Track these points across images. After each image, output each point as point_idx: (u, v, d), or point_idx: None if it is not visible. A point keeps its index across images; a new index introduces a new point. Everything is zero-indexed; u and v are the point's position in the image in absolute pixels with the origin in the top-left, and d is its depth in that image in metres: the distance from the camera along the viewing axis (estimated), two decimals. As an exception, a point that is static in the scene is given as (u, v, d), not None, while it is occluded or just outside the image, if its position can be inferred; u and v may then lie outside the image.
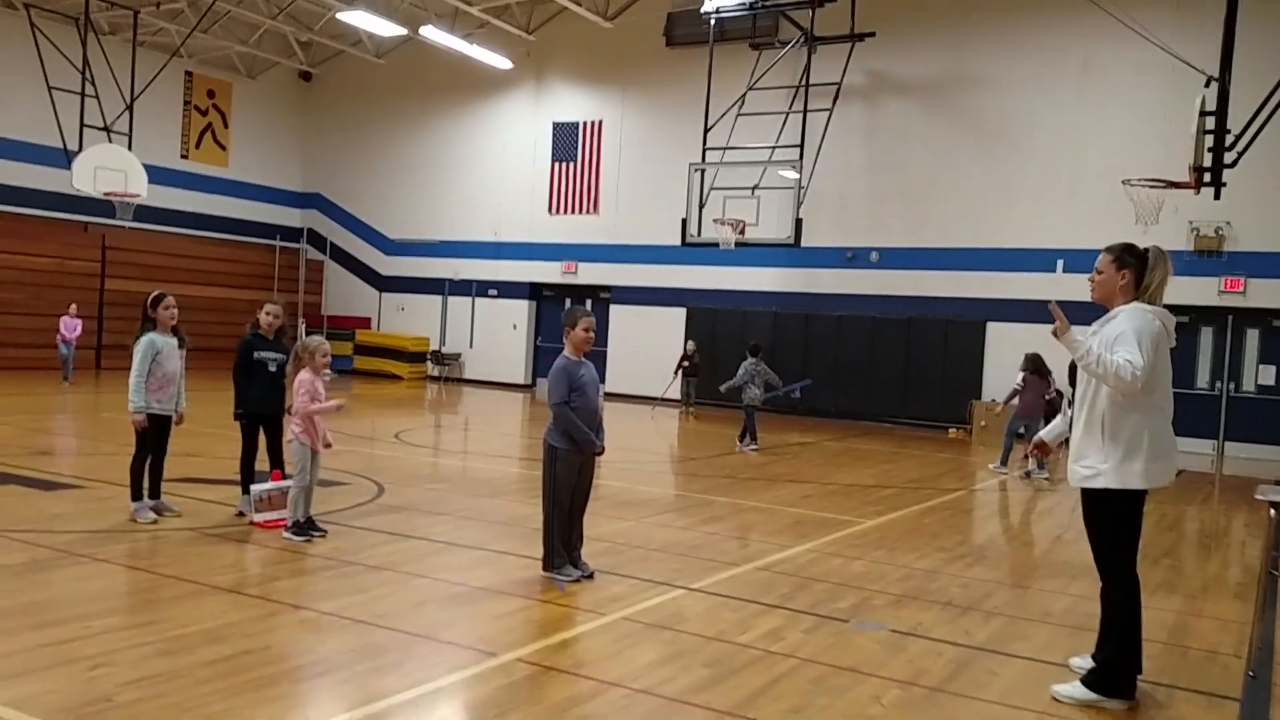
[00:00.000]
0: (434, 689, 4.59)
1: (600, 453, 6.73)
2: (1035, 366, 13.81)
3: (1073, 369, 5.18)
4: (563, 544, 6.59)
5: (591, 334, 6.70)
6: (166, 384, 7.81)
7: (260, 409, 8.05)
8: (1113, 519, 4.81)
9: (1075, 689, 4.85)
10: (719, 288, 22.49)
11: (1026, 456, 13.64)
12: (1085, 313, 5.05)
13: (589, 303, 24.95)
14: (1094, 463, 4.76)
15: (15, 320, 21.50)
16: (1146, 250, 4.87)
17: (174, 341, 7.92)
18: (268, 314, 8.21)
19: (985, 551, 8.62)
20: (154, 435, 7.85)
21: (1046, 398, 13.77)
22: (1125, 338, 4.66)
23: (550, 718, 4.31)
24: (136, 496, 7.79)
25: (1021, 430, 13.85)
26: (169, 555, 6.73)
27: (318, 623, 5.51)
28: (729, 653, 5.31)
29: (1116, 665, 4.80)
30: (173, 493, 8.81)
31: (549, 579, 6.53)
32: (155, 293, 7.92)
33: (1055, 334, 4.73)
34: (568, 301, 25.41)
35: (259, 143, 27.75)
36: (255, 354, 8.05)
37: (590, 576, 6.61)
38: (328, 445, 7.64)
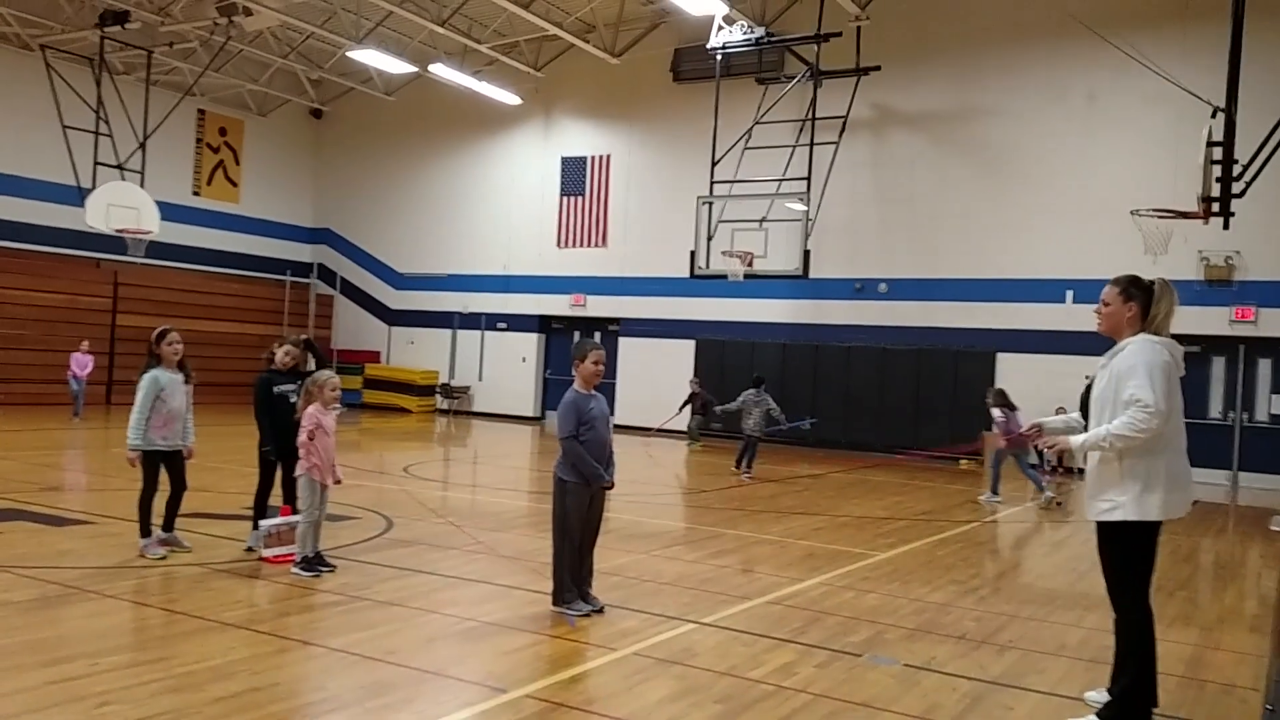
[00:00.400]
0: (443, 726, 4.56)
1: (610, 486, 6.70)
2: (1003, 400, 13.99)
3: (1084, 399, 5.15)
4: (572, 578, 6.55)
5: (601, 367, 6.70)
6: (171, 420, 7.81)
7: (284, 442, 8.03)
8: (1130, 551, 4.77)
9: None
10: (728, 319, 22.52)
11: (1042, 489, 13.65)
12: (1095, 343, 5.05)
13: (598, 335, 25.01)
14: (1112, 496, 4.74)
15: (27, 356, 21.62)
16: (1152, 282, 4.87)
17: (179, 377, 7.93)
18: (286, 354, 8.24)
19: (999, 584, 8.55)
20: (168, 471, 7.86)
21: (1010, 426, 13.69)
22: (1135, 371, 4.67)
23: (560, 755, 4.26)
24: (145, 533, 7.79)
25: (1005, 460, 13.94)
26: (178, 591, 6.72)
27: (327, 659, 5.48)
28: (741, 688, 5.26)
29: (1133, 698, 4.75)
30: (182, 528, 8.81)
31: (559, 614, 6.49)
32: (160, 329, 7.96)
33: (1060, 457, 4.71)
34: (576, 334, 25.45)
35: (270, 179, 28.00)
36: (275, 388, 8.06)
37: (600, 611, 6.57)
38: (337, 480, 7.63)
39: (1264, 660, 6.12)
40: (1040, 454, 13.64)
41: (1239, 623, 7.53)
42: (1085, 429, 5.01)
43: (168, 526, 7.93)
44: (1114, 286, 4.93)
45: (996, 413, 13.95)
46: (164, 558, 7.65)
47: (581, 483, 6.54)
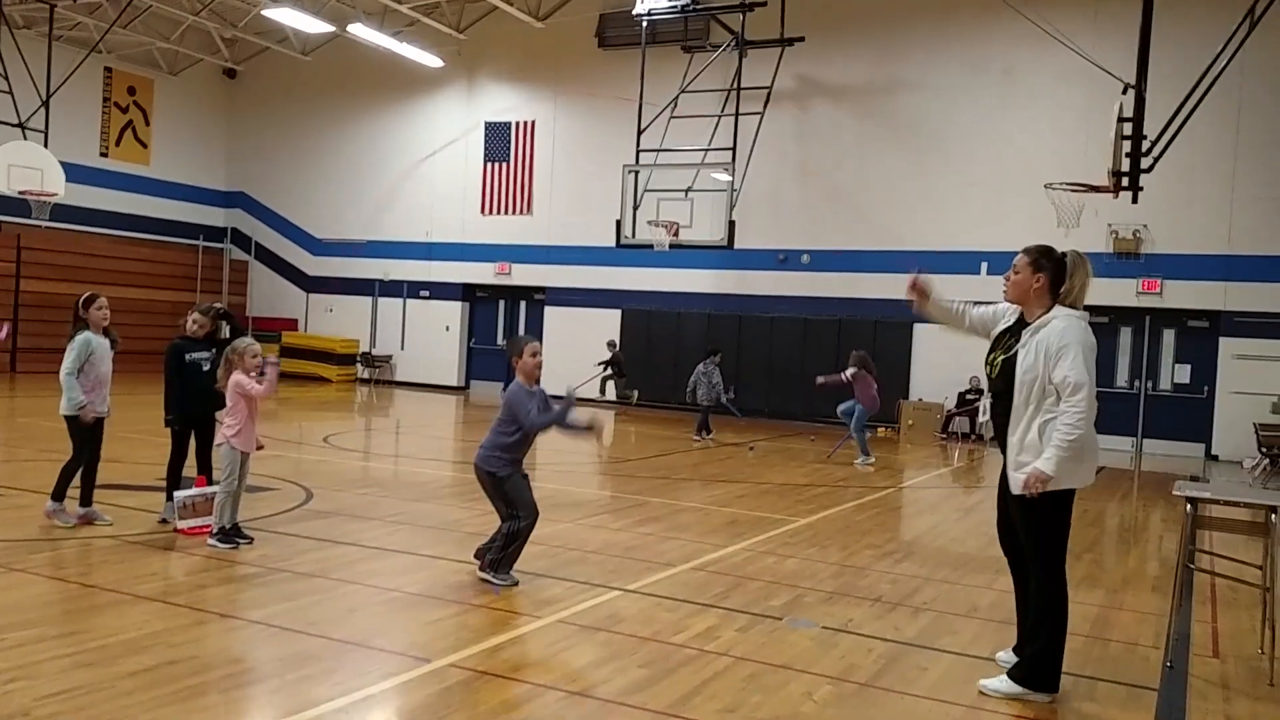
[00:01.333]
0: (366, 696, 4.53)
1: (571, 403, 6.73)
2: (864, 365, 14.33)
3: (994, 369, 5.24)
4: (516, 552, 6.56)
5: (539, 359, 6.68)
6: (99, 385, 7.64)
7: (194, 410, 7.88)
8: (1052, 520, 4.88)
9: (1002, 683, 4.95)
10: (654, 289, 22.55)
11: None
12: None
13: (523, 304, 24.86)
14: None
15: (-76, 323, 20.72)
16: (1064, 255, 4.93)
17: (106, 342, 7.73)
18: (194, 322, 8.08)
19: (914, 548, 8.77)
20: (90, 438, 7.65)
21: (874, 392, 14.35)
22: (1068, 352, 4.71)
23: (485, 722, 4.27)
24: (58, 496, 7.57)
25: (861, 414, 14.33)
26: (91, 564, 6.54)
27: (245, 631, 5.41)
28: (664, 653, 5.32)
29: (1044, 662, 4.90)
30: (95, 499, 8.57)
31: (488, 581, 6.47)
32: (87, 294, 7.75)
33: (1034, 492, 4.70)
34: (501, 304, 25.27)
35: (182, 141, 27.11)
36: (187, 356, 7.89)
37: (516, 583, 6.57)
38: (259, 447, 7.50)
39: (1165, 619, 6.39)
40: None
41: (1142, 584, 7.85)
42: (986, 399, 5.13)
43: (86, 501, 7.71)
44: (1025, 255, 4.99)
45: (848, 372, 14.28)
46: (73, 526, 7.46)
47: (513, 468, 6.54)
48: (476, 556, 6.71)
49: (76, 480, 7.65)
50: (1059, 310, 4.86)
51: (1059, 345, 4.74)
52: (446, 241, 25.28)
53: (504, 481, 6.53)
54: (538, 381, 6.72)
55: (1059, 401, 4.74)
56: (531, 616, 5.88)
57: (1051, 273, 4.90)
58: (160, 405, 7.98)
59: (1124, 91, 13.18)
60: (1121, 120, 12.99)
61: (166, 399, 7.92)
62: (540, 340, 6.98)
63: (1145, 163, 13.22)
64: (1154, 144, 13.17)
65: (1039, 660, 4.91)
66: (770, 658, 5.34)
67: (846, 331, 20.68)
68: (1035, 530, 4.92)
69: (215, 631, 5.40)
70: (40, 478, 8.64)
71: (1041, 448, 4.76)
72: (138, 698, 4.31)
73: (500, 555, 6.50)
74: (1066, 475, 4.76)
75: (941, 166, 19.96)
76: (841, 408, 14.49)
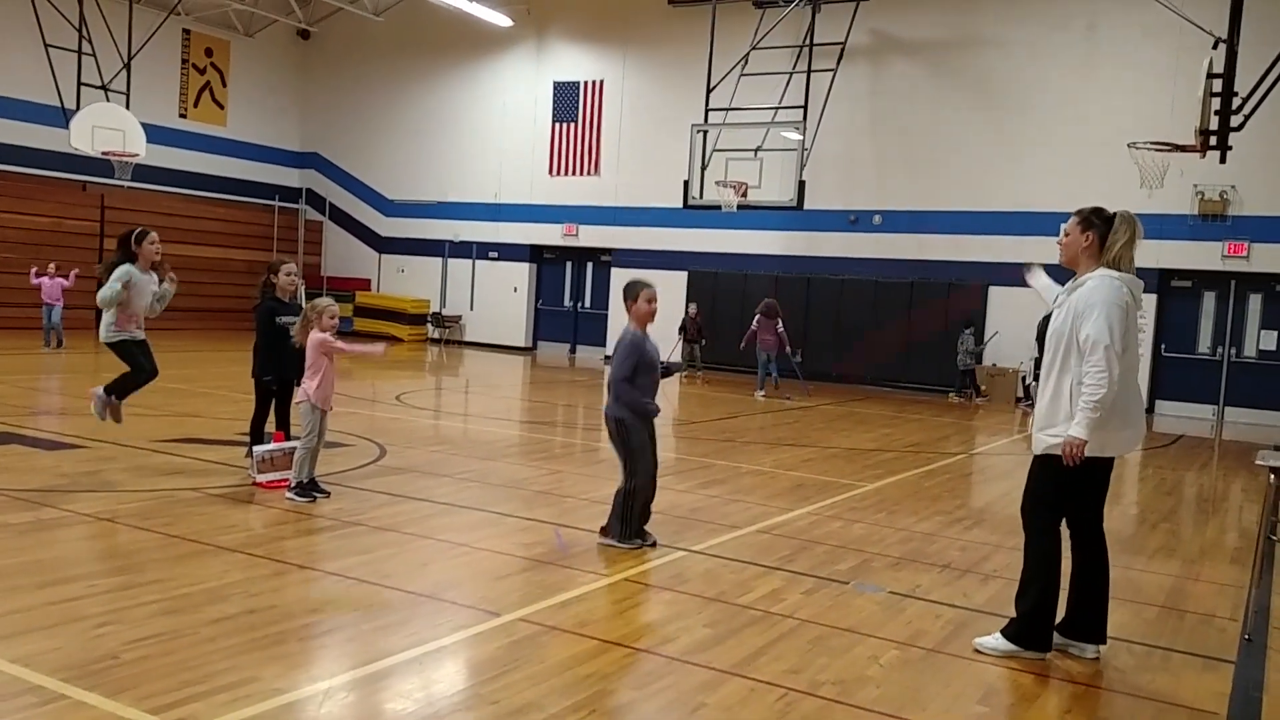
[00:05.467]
0: (438, 648, 4.64)
1: (657, 412, 6.61)
2: (767, 310, 17.28)
3: (1040, 331, 5.19)
4: (642, 516, 6.57)
5: (654, 305, 6.59)
6: (135, 317, 8.02)
7: (288, 372, 8.02)
8: (1064, 483, 4.81)
9: (996, 640, 4.96)
10: (721, 251, 22.41)
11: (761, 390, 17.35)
12: (1064, 275, 5.08)
13: (590, 266, 24.91)
14: (1061, 430, 4.72)
15: (13, 280, 21.43)
16: (1114, 214, 4.85)
17: (151, 278, 8.03)
18: (288, 274, 8.17)
19: (984, 515, 8.67)
20: (143, 358, 8.00)
21: (779, 332, 17.36)
22: (1092, 310, 4.65)
23: (552, 676, 4.35)
24: (112, 391, 8.06)
25: (767, 359, 17.43)
26: (173, 515, 6.77)
27: (322, 582, 5.56)
28: (729, 613, 5.35)
29: (1037, 618, 4.89)
30: (175, 453, 8.87)
31: (612, 546, 6.49)
32: (140, 227, 8.02)
33: (1073, 460, 4.63)
34: (568, 265, 25.35)
35: (257, 102, 27.53)
36: (278, 319, 8.02)
37: (654, 545, 6.60)
38: (330, 408, 7.65)
39: (1243, 591, 6.25)
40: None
41: (1220, 555, 7.67)
42: (1039, 362, 5.06)
43: (121, 395, 8.12)
44: (1075, 217, 4.94)
45: (755, 320, 17.29)
46: (102, 420, 8.05)
47: (638, 419, 6.49)
48: (601, 532, 6.70)
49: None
50: (1099, 271, 4.79)
51: (1087, 304, 4.70)
52: (514, 203, 25.39)
53: (628, 432, 6.48)
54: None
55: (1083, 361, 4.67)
56: (598, 574, 5.95)
57: (1100, 232, 4.82)
58: (238, 361, 8.19)
59: (1214, 47, 12.68)
60: (1211, 77, 12.51)
61: (261, 359, 8.10)
62: (606, 301, 6.93)
63: (1235, 121, 12.73)
64: (1244, 102, 12.67)
65: (1031, 618, 4.90)
66: (836, 621, 5.34)
67: (919, 294, 20.38)
68: (1044, 489, 4.89)
69: (293, 582, 5.56)
70: (122, 431, 8.92)
71: (1068, 409, 4.70)
72: (220, 644, 4.46)
73: (620, 520, 6.51)
74: (1094, 442, 4.65)
75: (1020, 125, 19.44)
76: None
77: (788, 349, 17.98)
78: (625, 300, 6.63)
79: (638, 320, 6.57)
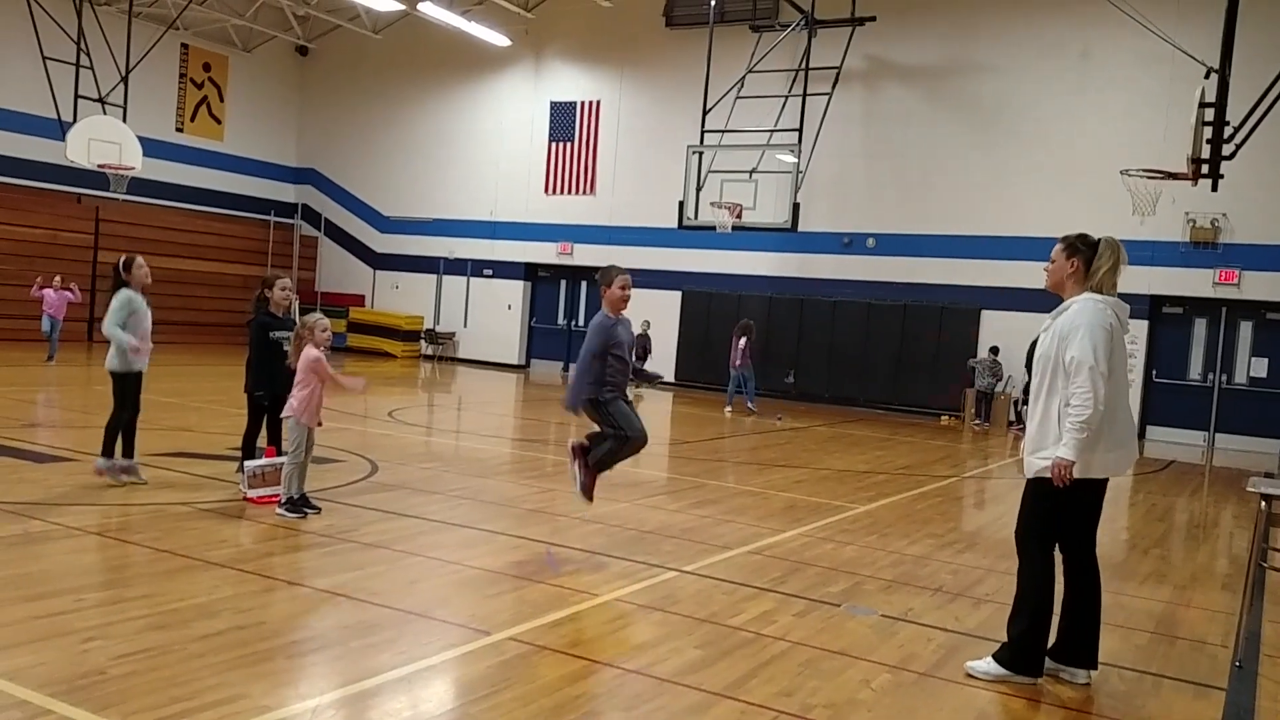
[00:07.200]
0: (427, 666, 4.61)
1: (656, 377, 7.10)
2: (746, 332, 18.07)
3: (1029, 356, 5.23)
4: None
5: (627, 292, 6.87)
6: (141, 341, 7.97)
7: (279, 389, 8.01)
8: (1056, 506, 4.84)
9: (988, 664, 4.96)
10: (714, 271, 22.47)
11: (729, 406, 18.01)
12: (1051, 302, 5.12)
13: (584, 285, 24.94)
14: (1051, 453, 4.74)
15: (7, 291, 21.40)
16: (1099, 240, 4.91)
17: (145, 301, 8.10)
18: (282, 289, 8.19)
19: (976, 538, 8.67)
20: (132, 394, 7.96)
21: (739, 348, 18.08)
22: (1076, 332, 4.71)
23: (542, 696, 4.33)
24: (108, 453, 7.96)
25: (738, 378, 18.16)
26: (164, 530, 6.73)
27: (312, 599, 5.53)
28: (720, 635, 5.33)
29: (1027, 643, 4.90)
30: (166, 467, 8.83)
31: (573, 472, 6.91)
32: (128, 255, 8.09)
33: (1062, 481, 4.67)
34: (562, 283, 25.39)
35: (254, 117, 27.60)
36: (271, 334, 8.03)
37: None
38: (319, 424, 7.64)
39: (1234, 618, 6.24)
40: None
41: (1211, 581, 7.67)
42: (1029, 386, 5.08)
43: (128, 453, 8.07)
44: (1061, 243, 5.00)
45: (741, 343, 17.93)
46: (123, 483, 7.82)
47: (614, 391, 6.72)
48: (573, 450, 6.97)
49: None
50: (1083, 295, 4.85)
51: (1071, 326, 4.76)
52: (510, 221, 25.44)
53: (607, 405, 6.73)
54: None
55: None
56: (589, 594, 5.93)
57: (1086, 258, 4.89)
58: (230, 376, 8.18)
59: (1206, 76, 12.79)
60: (1203, 105, 12.61)
61: (254, 374, 8.10)
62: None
63: (1227, 150, 12.82)
64: (1236, 130, 12.77)
65: (1022, 643, 4.90)
66: (828, 644, 5.33)
67: (911, 317, 20.44)
68: (1037, 513, 4.90)
69: (283, 598, 5.53)
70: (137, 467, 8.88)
71: (1058, 431, 4.73)
72: (208, 660, 4.43)
73: (599, 456, 6.82)
74: (1082, 463, 4.68)
75: (1013, 151, 19.57)
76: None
77: (733, 366, 18.17)
78: (600, 284, 6.92)
79: (610, 305, 6.85)
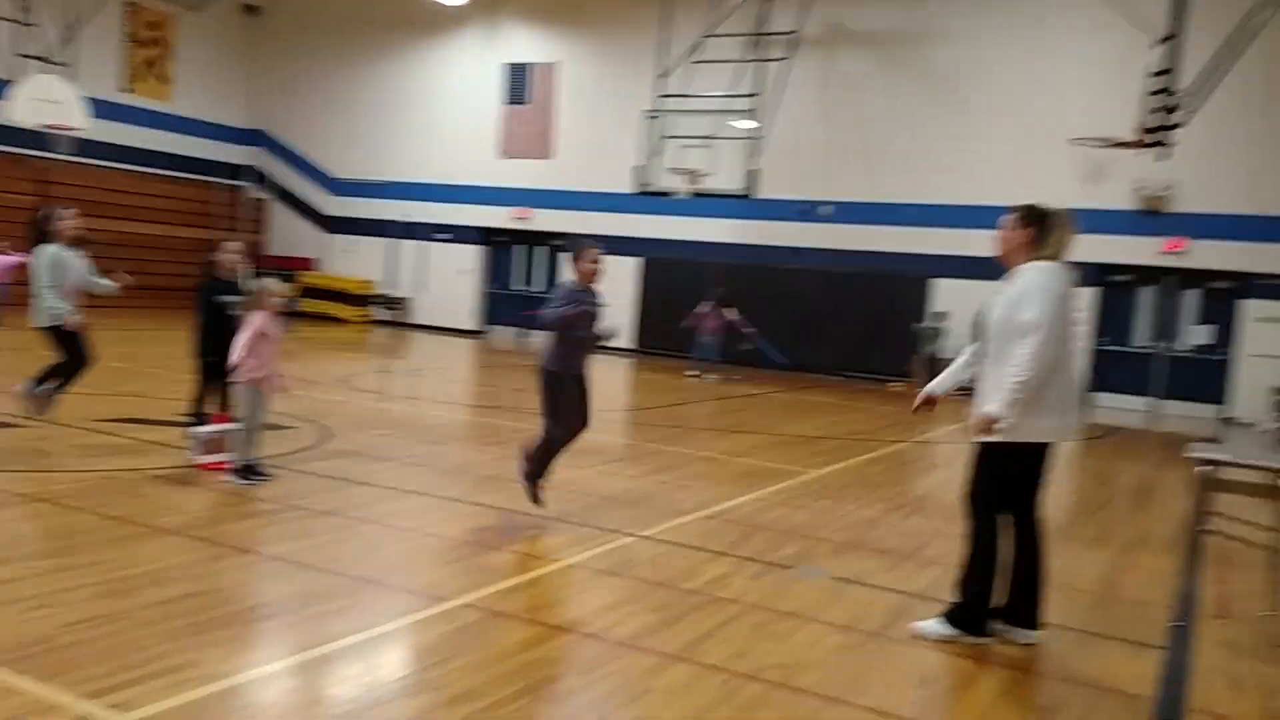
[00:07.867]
0: (382, 633, 4.62)
1: (605, 336, 6.98)
2: (722, 300, 18.25)
3: (975, 324, 5.28)
4: (547, 464, 6.91)
5: (598, 265, 6.89)
6: (70, 294, 8.01)
7: (226, 354, 7.94)
8: (1005, 470, 4.94)
9: (936, 624, 5.06)
10: (674, 238, 22.42)
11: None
12: (1001, 269, 5.18)
13: (545, 250, 24.78)
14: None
15: (-53, 254, 20.85)
16: (1050, 211, 5.01)
17: (72, 254, 8.11)
18: (231, 253, 8.19)
19: (923, 502, 8.81)
20: (76, 346, 7.97)
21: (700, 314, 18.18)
22: (1030, 296, 4.80)
23: (499, 662, 4.36)
24: (39, 384, 8.10)
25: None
26: (112, 497, 6.65)
27: (264, 566, 5.50)
28: (676, 598, 5.39)
29: (976, 604, 5.01)
30: (114, 433, 8.71)
31: (525, 487, 6.88)
32: (48, 208, 8.11)
33: (989, 428, 4.77)
34: (518, 249, 25.22)
35: (203, 77, 26.95)
36: (216, 298, 8.00)
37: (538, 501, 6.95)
38: (284, 388, 7.57)
39: (1175, 579, 6.42)
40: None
41: (1153, 544, 7.86)
42: (982, 355, 5.10)
43: (56, 391, 8.13)
44: (1012, 213, 5.10)
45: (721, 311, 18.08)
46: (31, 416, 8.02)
47: (561, 367, 6.75)
48: (524, 456, 7.00)
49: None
50: (1031, 264, 4.94)
51: (1022, 292, 4.85)
52: (465, 184, 25.17)
53: (548, 379, 6.80)
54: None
55: None
56: (546, 560, 5.96)
57: (1036, 228, 4.98)
58: (180, 341, 8.09)
59: (1154, 45, 12.94)
60: (1152, 75, 12.77)
61: (201, 338, 8.05)
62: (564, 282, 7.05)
63: (1175, 119, 13.02)
64: (1185, 100, 12.95)
65: (969, 604, 5.02)
66: (780, 605, 5.41)
67: (866, 284, 20.57)
68: (986, 477, 4.99)
69: (234, 566, 5.50)
70: (60, 410, 8.74)
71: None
72: (158, 628, 4.40)
73: (532, 464, 6.88)
74: (1028, 427, 4.78)
75: (966, 118, 19.67)
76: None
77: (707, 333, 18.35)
78: (572, 258, 6.95)
79: (580, 276, 6.90)
